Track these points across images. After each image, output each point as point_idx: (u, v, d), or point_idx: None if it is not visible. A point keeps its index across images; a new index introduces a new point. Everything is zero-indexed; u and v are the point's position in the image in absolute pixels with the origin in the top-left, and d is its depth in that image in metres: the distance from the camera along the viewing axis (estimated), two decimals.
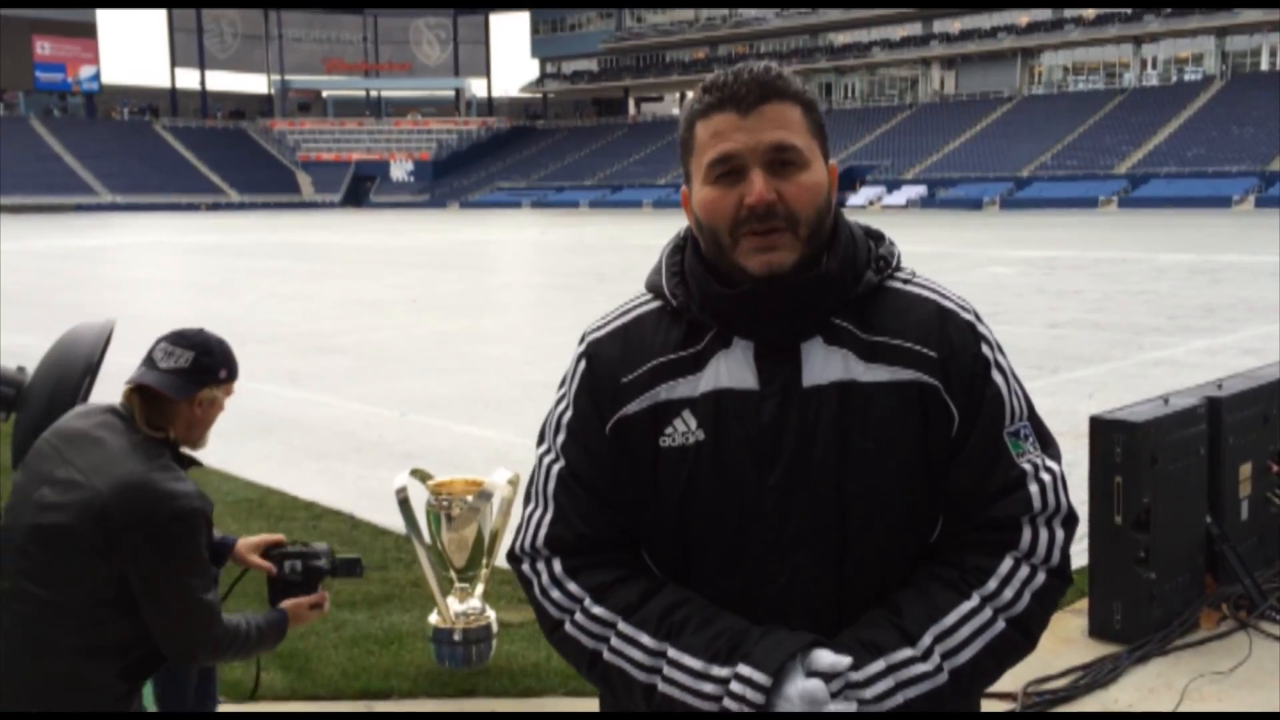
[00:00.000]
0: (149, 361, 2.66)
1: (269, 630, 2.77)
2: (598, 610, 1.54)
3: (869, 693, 1.43)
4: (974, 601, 1.51)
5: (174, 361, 2.64)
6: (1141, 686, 4.04)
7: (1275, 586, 4.78)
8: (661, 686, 1.48)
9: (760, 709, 1.41)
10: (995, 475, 1.55)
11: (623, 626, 1.53)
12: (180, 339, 2.69)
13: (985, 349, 1.59)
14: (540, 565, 1.60)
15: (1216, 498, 4.75)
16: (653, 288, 1.65)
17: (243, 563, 2.90)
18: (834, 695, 1.41)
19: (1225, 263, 23.02)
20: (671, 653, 1.49)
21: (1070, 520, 1.57)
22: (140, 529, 2.49)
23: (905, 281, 1.62)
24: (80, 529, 2.51)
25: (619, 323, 1.66)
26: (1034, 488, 1.55)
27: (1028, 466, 1.56)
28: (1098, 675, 4.08)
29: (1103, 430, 4.41)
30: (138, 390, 2.65)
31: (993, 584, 1.52)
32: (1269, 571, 4.91)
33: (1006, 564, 1.53)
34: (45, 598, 2.56)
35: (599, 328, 1.67)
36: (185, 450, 2.74)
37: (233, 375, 2.79)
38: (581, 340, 1.67)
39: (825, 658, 1.43)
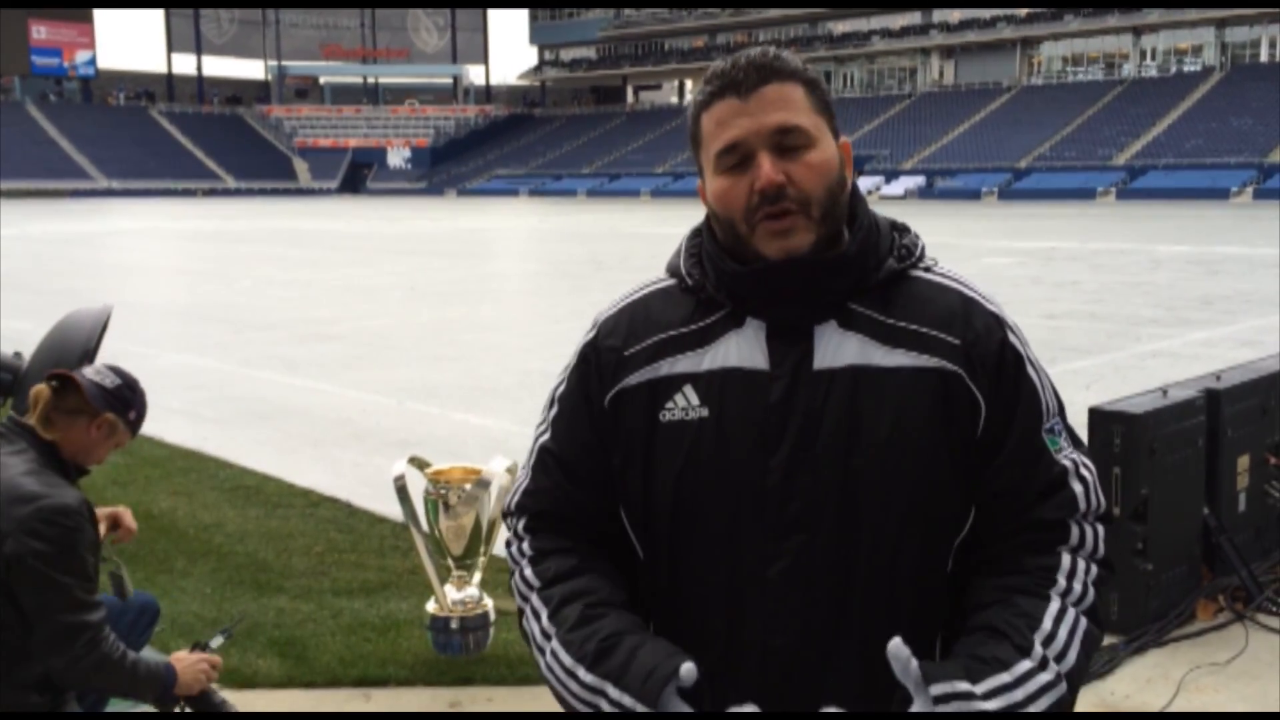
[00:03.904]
0: (80, 371, 2.81)
1: (149, 676, 2.75)
2: (528, 573, 1.61)
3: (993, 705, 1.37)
4: (1056, 603, 1.48)
5: (102, 379, 2.81)
6: (1139, 677, 4.04)
7: (1272, 578, 4.79)
8: (544, 668, 1.56)
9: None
10: (1038, 475, 1.53)
11: (534, 598, 1.58)
12: (116, 369, 2.87)
13: (1014, 340, 1.57)
14: (511, 521, 1.69)
15: (1214, 489, 4.75)
16: (671, 270, 1.66)
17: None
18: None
19: (1223, 254, 23.03)
20: (554, 642, 1.54)
21: (1107, 517, 1.58)
22: (24, 534, 2.55)
23: (928, 270, 1.61)
24: None
25: (629, 300, 1.67)
26: (1078, 487, 1.54)
27: (1067, 464, 1.54)
28: (1095, 666, 4.08)
29: (1101, 421, 4.41)
30: (57, 388, 2.75)
31: (1062, 581, 1.50)
32: (1266, 563, 4.91)
33: (1065, 559, 1.51)
34: None
35: (610, 306, 1.69)
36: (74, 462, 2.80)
37: (137, 426, 2.91)
38: (594, 320, 1.69)
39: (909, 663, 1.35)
